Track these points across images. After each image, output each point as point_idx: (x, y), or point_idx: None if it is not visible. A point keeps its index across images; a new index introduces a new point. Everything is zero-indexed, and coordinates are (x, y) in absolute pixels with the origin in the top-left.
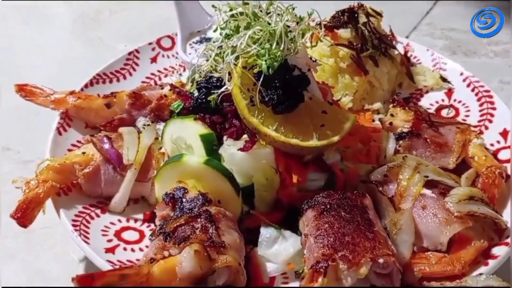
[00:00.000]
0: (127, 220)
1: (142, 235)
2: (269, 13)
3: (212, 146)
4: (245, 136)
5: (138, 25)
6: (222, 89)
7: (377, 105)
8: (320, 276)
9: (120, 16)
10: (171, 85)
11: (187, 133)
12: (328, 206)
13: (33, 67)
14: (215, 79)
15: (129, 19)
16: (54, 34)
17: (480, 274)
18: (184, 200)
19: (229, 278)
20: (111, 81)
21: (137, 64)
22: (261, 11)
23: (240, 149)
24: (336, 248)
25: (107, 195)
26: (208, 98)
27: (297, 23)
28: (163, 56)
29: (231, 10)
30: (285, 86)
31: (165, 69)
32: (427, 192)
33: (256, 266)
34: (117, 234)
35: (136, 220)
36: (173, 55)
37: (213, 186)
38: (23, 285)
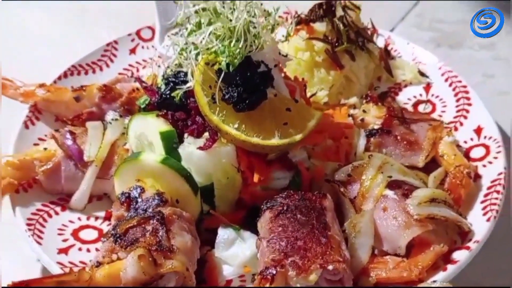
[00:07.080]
0: (87, 218)
1: (101, 233)
2: (233, 9)
3: (172, 144)
4: (206, 134)
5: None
6: (187, 85)
7: (353, 100)
8: (267, 282)
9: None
10: (137, 79)
11: (149, 130)
12: (285, 208)
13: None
14: (183, 73)
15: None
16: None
17: (434, 281)
18: (139, 200)
19: (177, 283)
20: (86, 73)
21: (115, 55)
22: (223, 7)
23: (200, 148)
24: (287, 254)
25: (68, 191)
26: (172, 94)
27: (265, 18)
28: (142, 47)
29: (194, 6)
30: (246, 83)
31: (144, 60)
32: (389, 193)
33: (212, 269)
34: (74, 233)
35: (96, 218)
36: (152, 46)
37: (170, 186)
38: None
